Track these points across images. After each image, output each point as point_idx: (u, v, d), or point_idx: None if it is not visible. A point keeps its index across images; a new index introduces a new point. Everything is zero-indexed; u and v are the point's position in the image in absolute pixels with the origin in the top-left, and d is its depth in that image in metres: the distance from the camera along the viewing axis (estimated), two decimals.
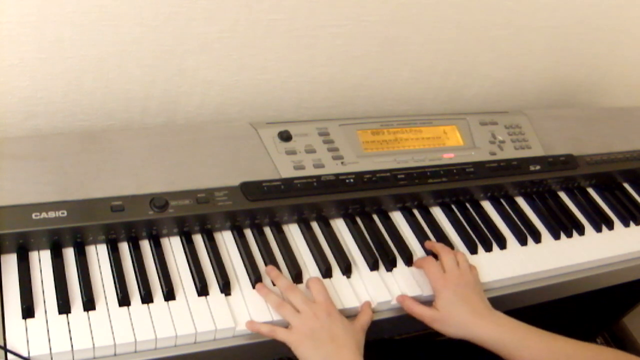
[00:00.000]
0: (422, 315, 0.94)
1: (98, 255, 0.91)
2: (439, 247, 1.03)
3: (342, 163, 1.08)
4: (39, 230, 0.87)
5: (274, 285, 0.94)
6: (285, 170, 1.03)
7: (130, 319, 0.84)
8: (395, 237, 1.07)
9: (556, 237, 1.16)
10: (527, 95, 1.52)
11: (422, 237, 1.08)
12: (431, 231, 1.10)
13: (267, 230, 1.02)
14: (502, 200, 1.21)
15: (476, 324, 0.91)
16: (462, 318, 0.92)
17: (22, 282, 0.84)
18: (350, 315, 0.92)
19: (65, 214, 0.88)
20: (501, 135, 1.22)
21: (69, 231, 0.89)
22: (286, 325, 0.88)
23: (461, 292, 0.94)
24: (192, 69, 1.13)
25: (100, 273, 0.89)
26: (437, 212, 1.15)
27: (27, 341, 0.79)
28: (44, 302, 0.84)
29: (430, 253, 1.05)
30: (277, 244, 1.00)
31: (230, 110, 1.23)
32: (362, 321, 0.91)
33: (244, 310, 0.89)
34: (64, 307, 0.83)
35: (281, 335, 0.86)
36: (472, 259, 1.07)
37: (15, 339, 0.78)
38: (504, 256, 1.09)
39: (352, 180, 1.06)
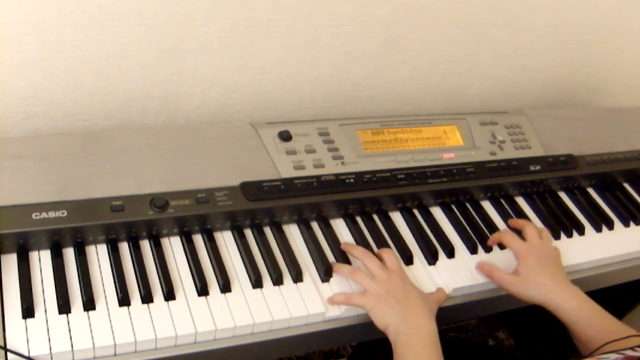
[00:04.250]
0: (501, 280, 0.98)
1: (98, 255, 0.91)
2: (522, 222, 1.09)
3: (342, 163, 1.08)
4: (39, 230, 0.87)
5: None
6: (285, 170, 1.03)
7: (130, 318, 0.84)
8: (395, 237, 1.07)
9: (556, 237, 1.16)
10: (527, 95, 1.52)
11: (422, 237, 1.08)
12: (431, 231, 1.10)
13: (267, 230, 1.02)
14: (502, 200, 1.21)
15: (556, 290, 0.95)
16: (542, 282, 0.96)
17: (22, 282, 0.84)
18: None
19: (65, 214, 0.88)
20: (501, 135, 1.22)
21: (69, 231, 0.89)
22: None
23: (544, 260, 0.99)
24: (192, 69, 1.13)
25: (100, 273, 0.89)
26: (437, 212, 1.15)
27: (27, 341, 0.79)
28: (44, 302, 0.84)
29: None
30: (277, 244, 1.00)
31: (230, 110, 1.23)
32: (437, 296, 0.96)
33: (244, 310, 0.89)
34: (64, 307, 0.83)
35: (356, 300, 0.90)
36: (472, 258, 1.07)
37: (15, 339, 0.78)
38: (504, 256, 1.09)
39: (352, 180, 1.06)
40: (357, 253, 0.98)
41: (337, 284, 0.97)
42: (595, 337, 0.89)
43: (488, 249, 1.09)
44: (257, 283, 0.93)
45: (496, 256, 1.09)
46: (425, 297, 0.93)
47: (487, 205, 1.19)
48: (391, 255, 0.98)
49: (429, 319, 0.88)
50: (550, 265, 0.99)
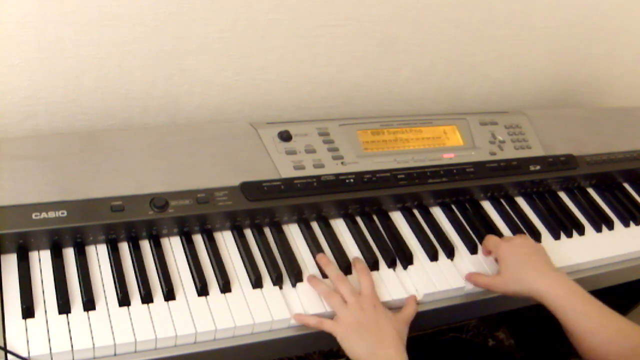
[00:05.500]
0: (486, 284, 0.99)
1: (98, 255, 0.91)
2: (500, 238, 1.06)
3: (342, 163, 1.08)
4: (39, 230, 0.87)
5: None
6: (285, 170, 1.03)
7: (130, 319, 0.84)
8: (395, 237, 1.07)
9: (556, 237, 1.16)
10: (527, 95, 1.52)
11: (422, 237, 1.08)
12: (431, 231, 1.10)
13: (267, 230, 1.02)
14: (502, 200, 1.21)
15: (537, 279, 0.94)
16: (523, 275, 0.95)
17: (22, 282, 0.84)
18: None
19: (65, 214, 0.88)
20: (501, 135, 1.22)
21: (69, 231, 0.89)
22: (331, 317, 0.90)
23: (522, 253, 0.98)
24: (192, 69, 1.13)
25: (100, 273, 0.89)
26: (437, 212, 1.15)
27: (27, 341, 0.79)
28: (44, 302, 0.84)
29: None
30: (277, 244, 1.00)
31: (230, 110, 1.23)
32: (406, 314, 0.94)
33: (243, 310, 0.89)
34: (64, 307, 0.83)
35: (328, 326, 0.89)
36: (472, 258, 1.07)
37: (15, 339, 0.78)
38: None
39: (352, 180, 1.06)
40: (330, 273, 0.95)
41: None
42: (587, 328, 0.87)
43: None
44: (257, 283, 0.93)
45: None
46: (396, 320, 0.91)
47: (487, 205, 1.19)
48: (367, 278, 0.95)
49: (398, 350, 0.86)
50: (530, 256, 0.98)
